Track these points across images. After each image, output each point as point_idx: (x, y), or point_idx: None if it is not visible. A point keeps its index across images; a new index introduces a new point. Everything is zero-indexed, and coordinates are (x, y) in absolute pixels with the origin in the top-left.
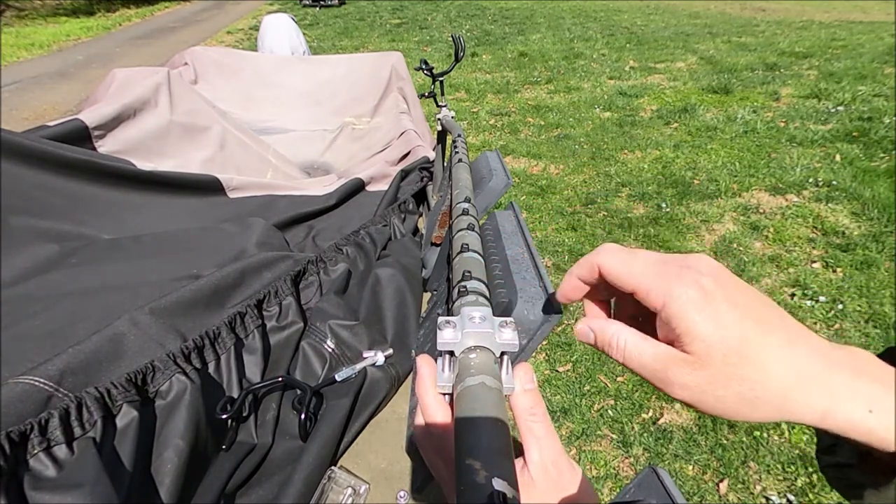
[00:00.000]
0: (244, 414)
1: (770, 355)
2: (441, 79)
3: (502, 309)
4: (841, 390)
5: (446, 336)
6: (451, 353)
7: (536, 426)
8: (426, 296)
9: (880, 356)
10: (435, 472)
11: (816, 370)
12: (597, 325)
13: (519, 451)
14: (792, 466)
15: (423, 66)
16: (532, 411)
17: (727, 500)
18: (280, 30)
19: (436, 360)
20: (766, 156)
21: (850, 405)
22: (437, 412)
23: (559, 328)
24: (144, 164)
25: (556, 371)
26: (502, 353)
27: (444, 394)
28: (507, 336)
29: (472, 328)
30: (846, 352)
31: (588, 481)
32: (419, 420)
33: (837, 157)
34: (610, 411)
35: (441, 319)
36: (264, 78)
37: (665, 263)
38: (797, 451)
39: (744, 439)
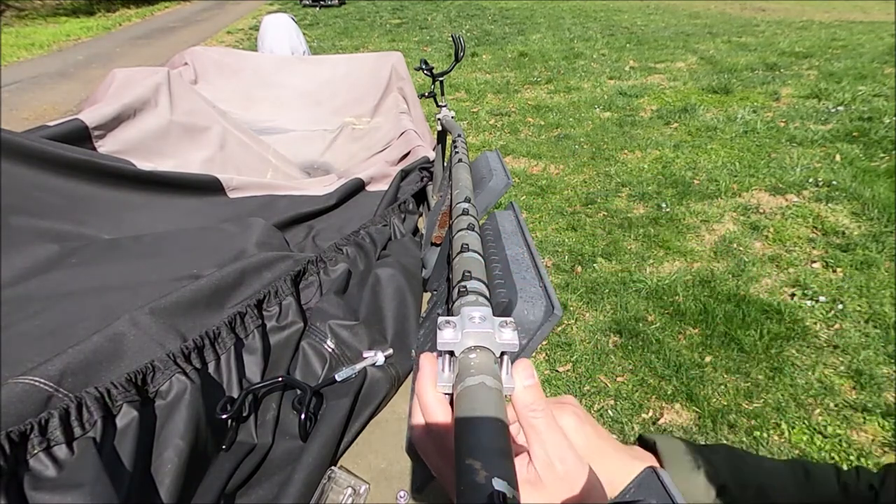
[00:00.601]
0: (244, 414)
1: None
2: (441, 79)
3: (502, 309)
4: (637, 471)
5: (446, 336)
6: (451, 353)
7: (538, 421)
8: (426, 296)
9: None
10: (436, 472)
11: (627, 464)
12: None
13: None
14: None
15: (423, 66)
16: (532, 407)
17: None
18: (280, 30)
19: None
20: (766, 156)
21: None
22: (437, 411)
23: (559, 328)
24: (144, 164)
25: (556, 371)
26: (502, 353)
27: (445, 394)
28: (508, 336)
29: (472, 328)
30: (632, 448)
31: (596, 477)
32: (418, 419)
33: (837, 157)
34: (610, 411)
35: (441, 319)
36: (264, 78)
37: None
38: (797, 451)
39: (744, 439)
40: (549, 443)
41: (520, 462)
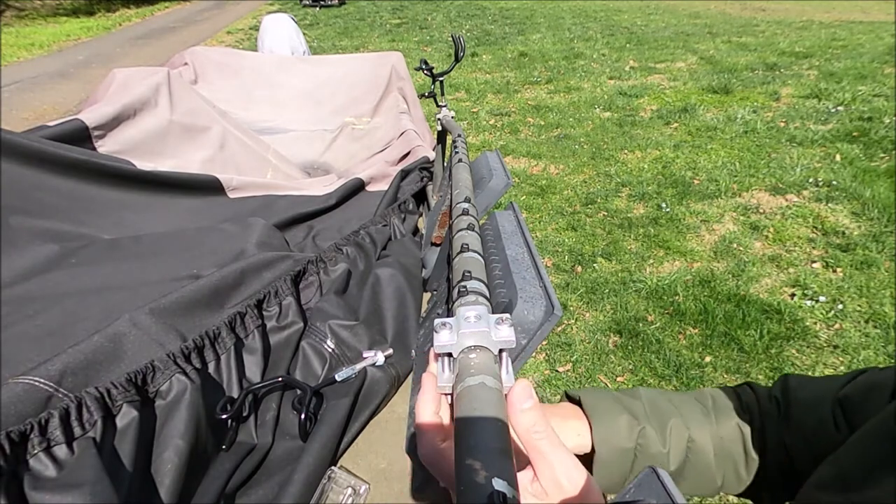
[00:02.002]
0: (244, 414)
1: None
2: (441, 79)
3: (502, 309)
4: (571, 430)
5: (443, 338)
6: (450, 355)
7: (542, 443)
8: (426, 296)
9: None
10: (446, 483)
11: (559, 425)
12: None
13: (527, 462)
14: None
15: (423, 66)
16: (535, 429)
17: (727, 500)
18: (280, 30)
19: (435, 361)
20: (766, 156)
21: (572, 437)
22: (434, 435)
23: (559, 328)
24: (144, 164)
25: (556, 371)
26: (500, 351)
27: (445, 394)
28: (504, 333)
29: (467, 328)
30: (559, 406)
31: (594, 484)
32: (422, 443)
33: (837, 157)
34: None
35: (437, 322)
36: (264, 78)
37: None
38: None
39: None
40: (555, 463)
41: (524, 476)
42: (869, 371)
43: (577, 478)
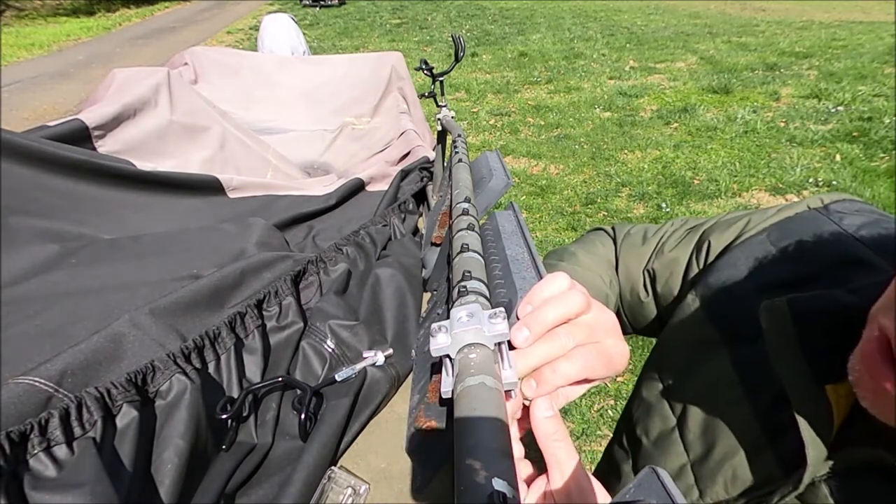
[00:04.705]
0: (244, 414)
1: None
2: (441, 79)
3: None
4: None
5: (440, 341)
6: (448, 357)
7: (560, 451)
8: (426, 296)
9: None
10: None
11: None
12: None
13: (542, 469)
14: None
15: (423, 66)
16: (555, 436)
17: None
18: (280, 30)
19: (440, 368)
20: (766, 156)
21: None
22: None
23: None
24: (144, 164)
25: None
26: (498, 345)
27: (448, 398)
28: (499, 327)
29: (460, 328)
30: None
31: (605, 493)
32: None
33: (837, 157)
34: (610, 411)
35: (433, 326)
36: (264, 78)
37: None
38: None
39: None
40: (568, 472)
41: (537, 488)
42: (673, 238)
43: (587, 491)
